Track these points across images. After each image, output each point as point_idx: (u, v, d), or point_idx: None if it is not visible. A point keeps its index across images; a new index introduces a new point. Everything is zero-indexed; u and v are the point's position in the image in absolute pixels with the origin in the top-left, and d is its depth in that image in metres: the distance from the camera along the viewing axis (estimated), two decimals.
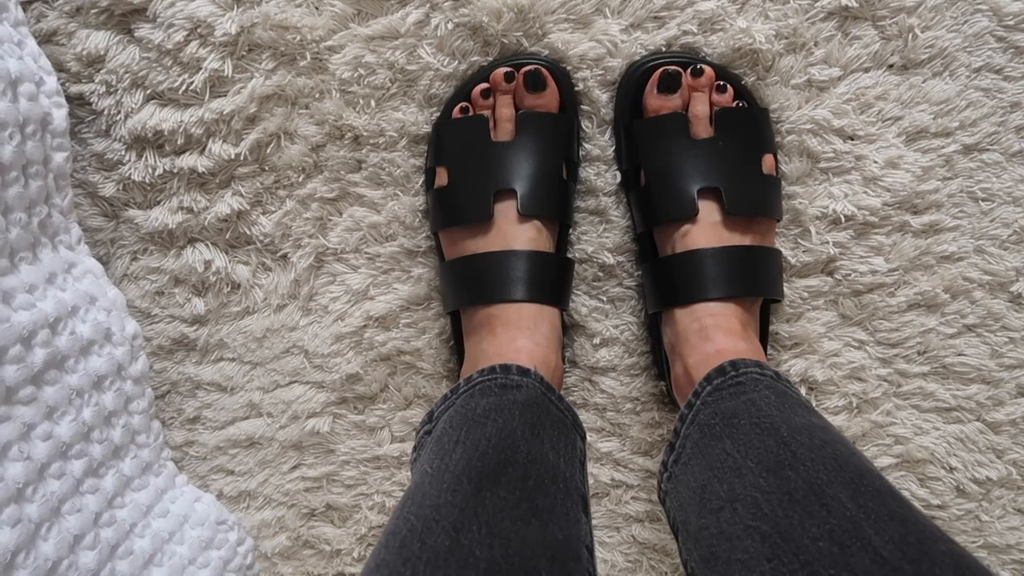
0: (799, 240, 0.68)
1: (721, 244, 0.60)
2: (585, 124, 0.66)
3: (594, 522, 0.76)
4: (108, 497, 0.52)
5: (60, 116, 0.53)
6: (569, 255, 0.68)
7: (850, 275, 0.68)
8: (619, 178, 0.66)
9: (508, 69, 0.61)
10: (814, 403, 0.72)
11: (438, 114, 0.65)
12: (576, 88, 0.64)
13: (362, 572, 0.39)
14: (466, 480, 0.43)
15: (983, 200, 0.67)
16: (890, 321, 0.70)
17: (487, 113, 0.63)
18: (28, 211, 0.50)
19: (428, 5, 0.62)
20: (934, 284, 0.68)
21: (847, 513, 0.38)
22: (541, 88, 0.62)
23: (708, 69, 0.61)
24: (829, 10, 0.62)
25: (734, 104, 0.62)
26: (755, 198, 0.61)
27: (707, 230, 0.61)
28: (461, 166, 0.63)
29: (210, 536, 0.59)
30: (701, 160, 0.61)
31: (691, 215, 0.61)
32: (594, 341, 0.71)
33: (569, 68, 0.64)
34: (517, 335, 0.60)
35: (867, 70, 0.64)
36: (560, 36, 0.63)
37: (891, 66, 0.64)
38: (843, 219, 0.67)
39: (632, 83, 0.62)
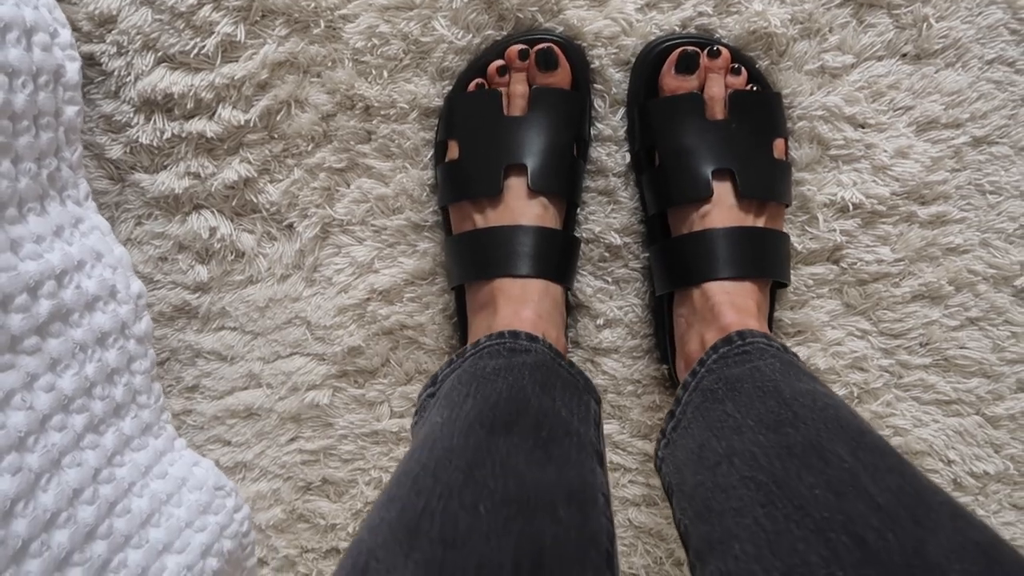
0: (806, 227, 0.68)
1: (734, 225, 0.60)
2: (598, 103, 0.66)
3: None
4: (108, 454, 0.52)
5: (73, 69, 0.52)
6: (576, 234, 0.68)
7: (856, 264, 0.68)
8: (628, 159, 0.66)
9: (522, 46, 0.61)
10: None
11: (450, 87, 0.65)
12: (591, 66, 0.64)
13: (374, 507, 0.39)
14: (479, 426, 0.43)
15: (991, 193, 0.67)
16: (894, 311, 0.70)
17: (502, 89, 0.63)
18: (38, 162, 0.49)
19: None
20: (939, 276, 0.69)
21: (845, 466, 0.38)
22: (553, 67, 0.62)
23: (725, 51, 0.61)
24: None
25: (748, 87, 0.62)
26: (767, 182, 0.62)
27: (722, 211, 0.61)
28: (472, 140, 0.63)
29: (208, 501, 0.59)
30: (716, 141, 0.61)
31: (706, 196, 0.61)
32: (598, 322, 0.71)
33: (584, 45, 0.64)
34: (520, 308, 0.60)
35: (880, 58, 0.64)
36: (575, 13, 0.63)
37: (904, 55, 0.64)
38: (851, 207, 0.67)
39: (648, 63, 0.62)
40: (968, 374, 0.71)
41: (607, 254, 0.69)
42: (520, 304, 0.60)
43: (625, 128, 0.66)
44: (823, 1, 0.63)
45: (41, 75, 0.49)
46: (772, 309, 0.68)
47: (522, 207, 0.62)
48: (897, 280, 0.69)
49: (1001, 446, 0.73)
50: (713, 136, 0.61)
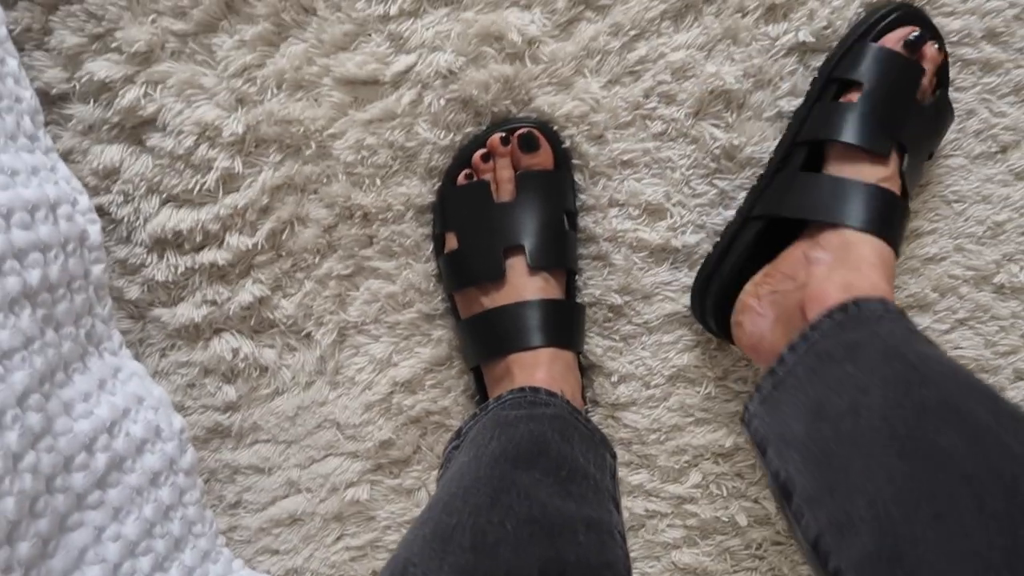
0: None
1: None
2: (578, 177, 0.70)
3: (633, 554, 0.78)
4: None
5: (95, 231, 0.56)
6: (578, 300, 0.72)
7: None
8: (614, 224, 0.70)
9: (503, 134, 0.66)
10: None
11: (440, 184, 0.69)
12: (565, 145, 0.69)
13: (409, 529, 0.41)
14: (503, 460, 0.46)
15: (955, 202, 0.72)
16: None
17: (488, 176, 0.67)
18: (76, 324, 0.53)
19: (419, 85, 0.66)
20: (923, 285, 0.73)
21: (984, 424, 0.37)
22: (535, 148, 0.66)
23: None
24: (788, 47, 0.67)
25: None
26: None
27: (892, 179, 0.61)
28: (469, 229, 0.67)
29: None
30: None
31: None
32: (612, 379, 0.74)
33: (557, 127, 0.68)
34: (534, 371, 0.63)
35: None
36: (545, 99, 0.67)
37: None
38: None
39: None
40: None
41: (610, 314, 0.73)
42: (533, 369, 0.64)
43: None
44: (770, 54, 0.68)
45: (69, 243, 0.52)
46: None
47: (525, 284, 0.66)
48: None
49: None
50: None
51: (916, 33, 0.63)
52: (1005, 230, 0.72)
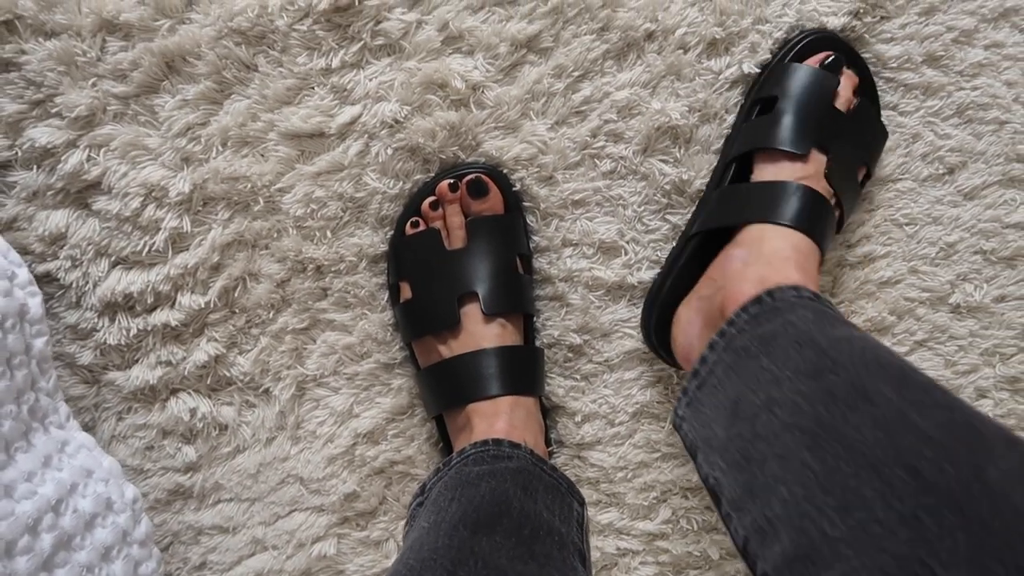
0: None
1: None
2: (530, 218, 0.70)
3: None
4: None
5: (35, 304, 0.55)
6: (538, 342, 0.71)
7: None
8: (568, 264, 0.70)
9: (451, 180, 0.66)
10: None
11: (392, 232, 0.69)
12: (515, 188, 0.68)
13: None
14: (463, 527, 0.44)
15: (907, 225, 0.72)
16: None
17: (438, 224, 0.67)
18: (17, 401, 0.52)
19: (366, 136, 0.66)
20: (879, 309, 0.73)
21: (891, 404, 0.37)
22: (484, 193, 0.66)
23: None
24: (732, 79, 0.68)
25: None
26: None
27: (814, 181, 0.61)
28: (422, 278, 0.66)
29: None
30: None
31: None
32: (576, 419, 0.74)
33: (506, 171, 0.68)
34: (495, 421, 0.63)
35: None
36: (493, 143, 0.67)
37: None
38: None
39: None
40: None
41: (571, 354, 0.72)
42: (493, 418, 0.63)
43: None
44: (714, 88, 0.68)
45: (7, 319, 0.52)
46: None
47: (481, 331, 0.65)
48: None
49: None
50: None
51: (832, 58, 0.64)
52: (957, 250, 0.73)
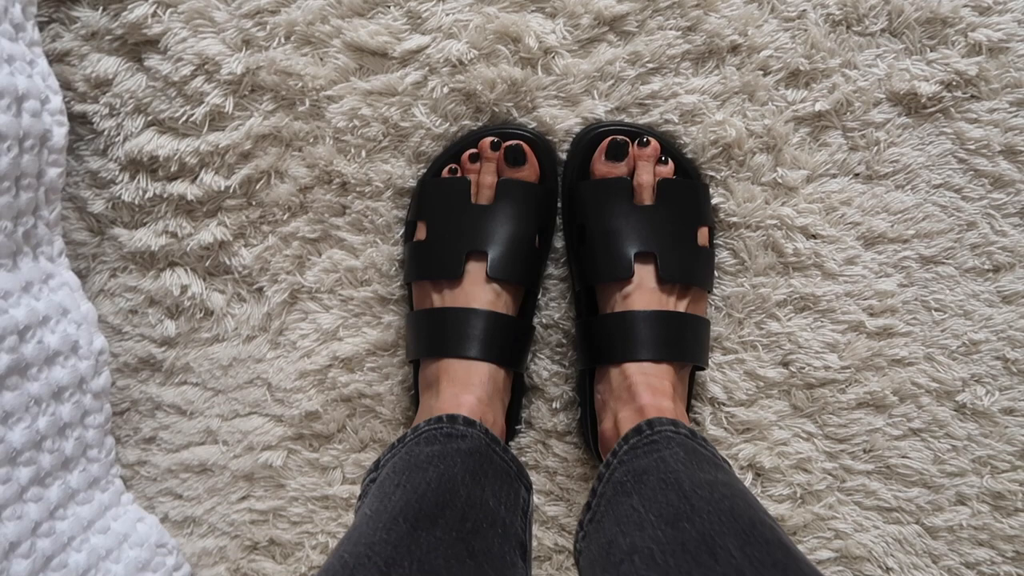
0: (762, 323, 0.70)
1: (654, 308, 0.63)
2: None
3: None
4: (51, 507, 0.53)
5: (60, 134, 0.55)
6: (536, 319, 0.70)
7: (804, 368, 0.71)
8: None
9: (495, 138, 0.65)
10: (759, 490, 0.73)
11: (424, 170, 0.68)
12: (558, 161, 0.67)
13: None
14: (402, 520, 0.44)
15: (936, 311, 0.70)
16: (839, 417, 0.72)
17: (472, 177, 0.66)
18: (15, 220, 0.52)
19: (427, 68, 0.65)
20: (884, 385, 0.71)
21: (732, 562, 0.40)
22: (521, 163, 0.65)
23: (654, 141, 0.64)
24: (802, 115, 0.66)
25: (675, 177, 0.65)
26: (688, 267, 0.64)
27: (643, 293, 0.63)
28: (440, 223, 0.65)
29: (148, 558, 0.59)
30: (641, 225, 0.64)
31: (627, 276, 0.63)
32: (552, 405, 0.72)
33: (555, 140, 0.67)
34: (461, 392, 0.62)
35: (834, 176, 0.67)
36: (548, 111, 0.66)
37: (857, 175, 0.68)
38: (807, 304, 0.69)
39: (582, 146, 0.66)
40: (909, 483, 0.73)
41: (565, 340, 0.71)
42: (462, 388, 0.62)
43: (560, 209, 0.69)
44: (782, 117, 0.66)
45: (28, 139, 0.51)
46: (690, 392, 0.69)
47: (479, 292, 0.64)
48: (843, 387, 0.71)
49: (939, 557, 0.74)
50: (638, 220, 0.64)
51: (612, 146, 0.64)
52: (980, 350, 0.71)
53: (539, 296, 0.70)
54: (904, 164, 0.67)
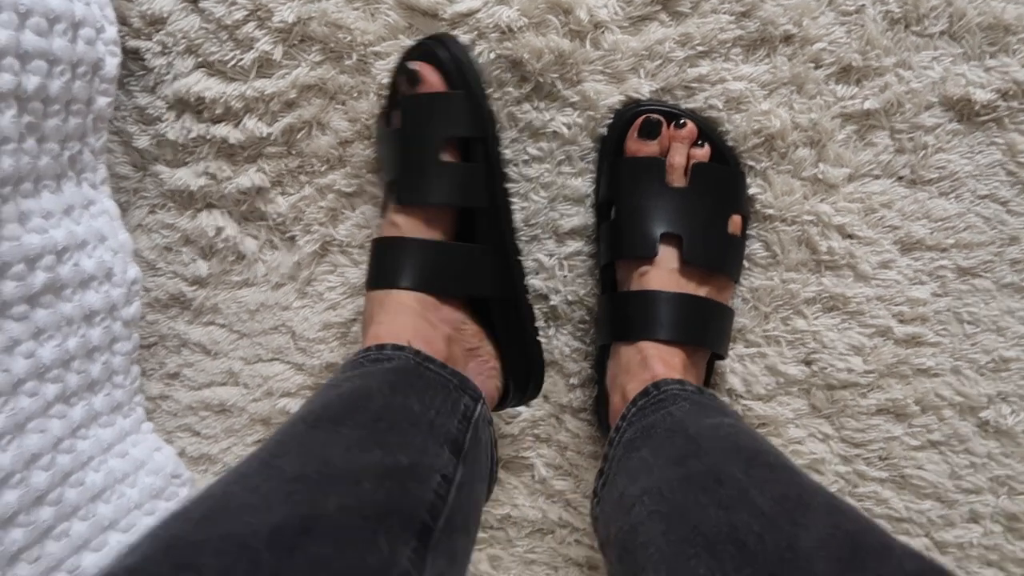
0: (788, 320, 0.69)
1: (675, 290, 0.62)
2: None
3: (533, 557, 0.77)
4: (73, 426, 0.54)
5: (112, 64, 0.56)
6: (560, 296, 0.70)
7: (827, 368, 0.70)
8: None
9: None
10: None
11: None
12: (600, 131, 0.67)
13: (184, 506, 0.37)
14: (301, 423, 0.41)
15: (968, 323, 0.69)
16: (857, 421, 0.71)
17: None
18: (62, 144, 0.53)
19: (476, 32, 0.65)
20: (906, 394, 0.70)
21: (737, 484, 0.41)
22: (415, 84, 0.62)
23: (690, 124, 0.64)
24: (850, 112, 0.65)
25: (712, 162, 0.65)
26: (714, 253, 0.64)
27: (664, 274, 0.63)
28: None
29: (162, 486, 0.61)
30: (670, 206, 0.63)
31: (650, 256, 0.63)
32: (570, 381, 0.73)
33: (596, 116, 0.66)
34: (396, 317, 0.58)
35: (877, 177, 0.66)
36: (593, 86, 0.66)
37: (900, 177, 0.66)
38: (836, 305, 0.68)
39: (620, 125, 0.65)
40: (922, 495, 0.72)
41: (587, 317, 0.71)
42: (390, 317, 0.58)
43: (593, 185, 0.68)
44: (829, 112, 0.65)
45: (81, 65, 0.53)
46: (708, 381, 0.69)
47: (400, 221, 0.62)
48: (865, 391, 0.70)
49: None
50: (668, 201, 0.64)
51: (646, 123, 0.63)
52: (1010, 368, 0.69)
53: (567, 272, 0.70)
54: (950, 171, 0.65)
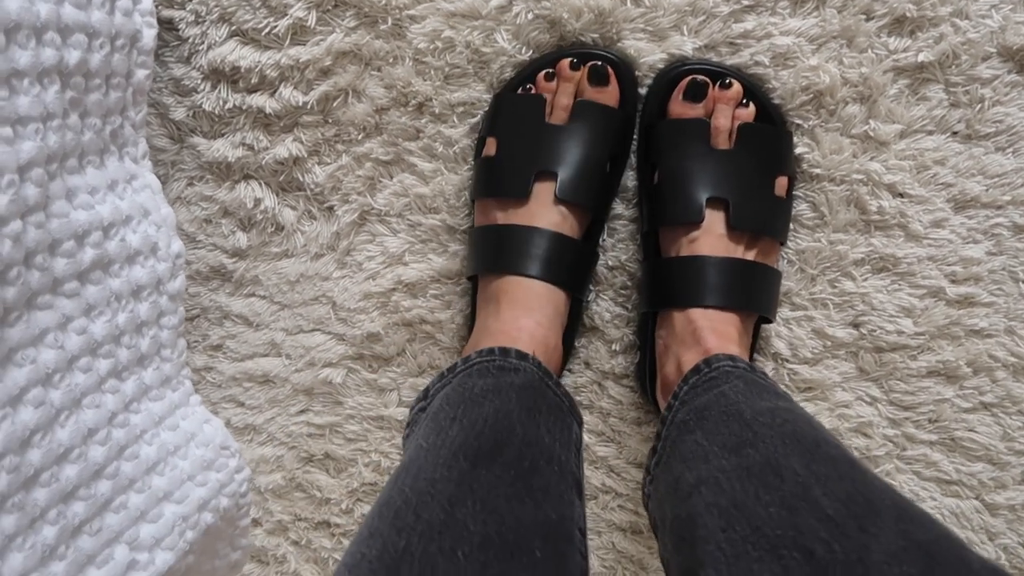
0: (836, 282, 0.68)
1: (723, 255, 0.61)
2: (637, 132, 0.67)
3: None
4: (126, 400, 0.55)
5: (149, 35, 0.55)
6: (602, 260, 0.69)
7: (876, 331, 0.69)
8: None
9: (574, 59, 0.63)
10: None
11: (498, 89, 0.66)
12: (639, 90, 0.65)
13: (355, 539, 0.40)
14: (462, 457, 0.44)
15: None
16: (907, 383, 0.70)
17: (548, 96, 0.64)
18: (104, 118, 0.53)
19: None
20: (958, 356, 0.68)
21: (799, 480, 0.39)
22: (603, 83, 0.63)
23: (736, 84, 0.62)
24: (903, 66, 0.63)
25: (757, 122, 0.63)
26: (762, 216, 0.62)
27: (710, 239, 0.62)
28: (510, 140, 0.64)
29: (212, 458, 0.61)
30: (715, 169, 0.62)
31: (697, 221, 0.62)
32: (612, 347, 0.72)
33: (638, 75, 0.65)
34: (521, 315, 0.61)
35: (930, 133, 0.64)
36: (634, 43, 0.64)
37: (955, 133, 0.64)
38: (886, 265, 0.67)
39: (663, 85, 0.64)
40: (973, 458, 0.71)
41: (629, 282, 0.70)
42: (521, 309, 0.61)
43: (635, 147, 0.67)
44: (881, 66, 0.63)
45: (119, 38, 0.52)
46: (754, 345, 0.68)
47: (544, 212, 0.63)
48: (915, 353, 0.69)
49: (996, 534, 0.72)
50: (714, 164, 0.62)
51: (692, 85, 0.62)
52: None
53: (604, 231, 0.69)
54: (1008, 125, 0.63)
